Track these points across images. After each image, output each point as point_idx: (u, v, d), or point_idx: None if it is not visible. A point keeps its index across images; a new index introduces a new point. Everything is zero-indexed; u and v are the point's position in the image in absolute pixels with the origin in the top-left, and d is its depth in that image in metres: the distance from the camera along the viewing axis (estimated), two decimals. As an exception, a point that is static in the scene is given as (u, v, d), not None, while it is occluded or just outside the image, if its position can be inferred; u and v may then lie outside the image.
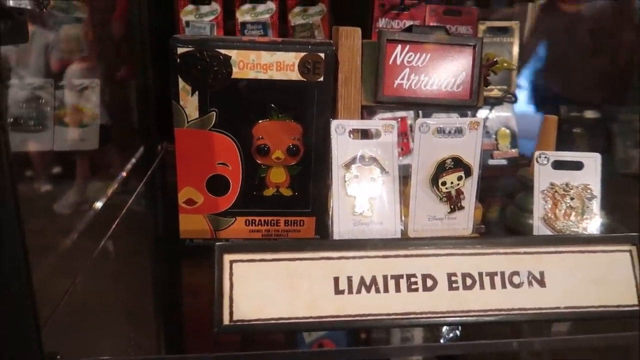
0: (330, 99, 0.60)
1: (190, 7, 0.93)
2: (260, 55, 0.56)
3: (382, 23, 0.90)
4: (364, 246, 0.49)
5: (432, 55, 0.60)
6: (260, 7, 0.94)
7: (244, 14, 0.94)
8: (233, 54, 0.56)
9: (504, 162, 0.97)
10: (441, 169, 0.58)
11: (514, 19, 0.94)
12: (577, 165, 0.63)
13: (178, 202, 0.61)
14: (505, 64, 0.94)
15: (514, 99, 0.95)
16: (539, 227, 0.62)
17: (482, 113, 0.97)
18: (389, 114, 0.93)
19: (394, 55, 0.59)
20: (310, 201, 0.64)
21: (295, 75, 0.57)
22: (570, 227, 0.62)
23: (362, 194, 0.58)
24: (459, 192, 0.59)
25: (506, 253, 0.51)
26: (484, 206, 0.89)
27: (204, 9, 0.94)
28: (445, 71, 0.60)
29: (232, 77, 0.57)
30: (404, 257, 0.49)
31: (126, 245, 0.70)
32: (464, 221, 0.60)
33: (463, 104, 0.61)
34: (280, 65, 0.57)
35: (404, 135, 0.94)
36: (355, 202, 0.58)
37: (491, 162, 0.96)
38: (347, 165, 0.58)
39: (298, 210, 0.64)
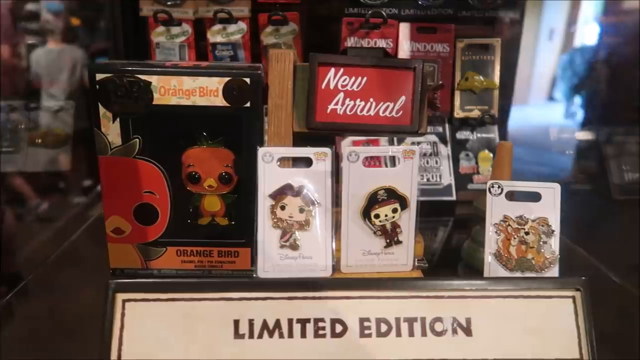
0: (260, 126, 0.57)
1: (161, 28, 0.93)
2: (182, 80, 0.54)
3: (350, 42, 0.86)
4: (269, 287, 0.45)
5: (368, 79, 0.56)
6: (232, 27, 0.93)
7: (215, 35, 0.93)
8: (153, 79, 0.54)
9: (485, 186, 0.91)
10: (373, 200, 0.54)
11: (495, 36, 0.89)
12: (535, 197, 0.58)
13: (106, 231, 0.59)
14: (484, 83, 0.89)
15: (491, 120, 0.89)
16: (490, 264, 0.57)
17: (464, 134, 0.92)
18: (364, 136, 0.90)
19: (327, 79, 0.56)
20: (246, 231, 0.60)
21: (219, 101, 0.55)
22: (523, 264, 0.56)
23: (289, 226, 0.54)
24: (395, 226, 0.55)
25: (428, 297, 0.46)
26: (457, 234, 0.84)
27: (175, 30, 0.93)
28: (383, 95, 0.56)
29: (154, 103, 0.54)
30: (312, 300, 0.45)
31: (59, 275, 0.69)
32: (403, 256, 0.56)
33: (403, 130, 0.57)
34: (204, 90, 0.54)
35: (376, 158, 0.89)
36: (281, 235, 0.55)
37: (471, 186, 0.90)
38: (274, 196, 0.54)
39: (233, 241, 0.61)
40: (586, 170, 0.92)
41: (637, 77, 0.96)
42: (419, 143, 0.91)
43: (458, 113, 0.90)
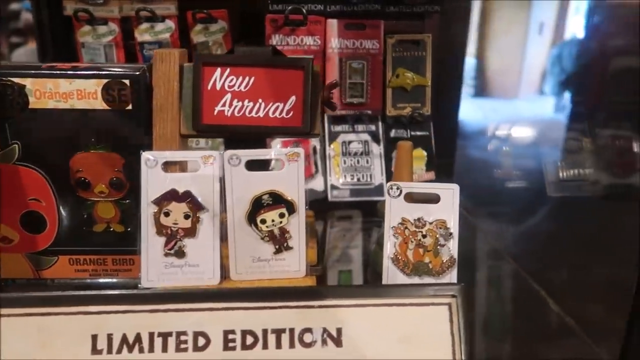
0: (145, 129, 0.55)
1: (87, 28, 0.90)
2: (58, 83, 0.52)
3: (275, 40, 0.84)
4: (128, 300, 0.43)
5: (256, 79, 0.54)
6: (159, 26, 0.90)
7: (142, 34, 0.91)
8: (27, 82, 0.52)
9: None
10: (258, 205, 0.52)
11: (425, 31, 0.87)
12: (435, 198, 0.56)
13: (-7, 240, 0.57)
14: (415, 80, 0.87)
15: (421, 118, 0.87)
16: (389, 268, 0.56)
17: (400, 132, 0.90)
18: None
19: (212, 80, 0.54)
20: (141, 238, 0.58)
21: (99, 104, 0.53)
22: (420, 269, 0.55)
23: (174, 233, 0.52)
24: (284, 231, 0.53)
25: (298, 307, 0.44)
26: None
27: (101, 29, 0.91)
28: (272, 96, 0.54)
29: (30, 107, 0.52)
30: (175, 312, 0.43)
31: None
32: (295, 262, 0.54)
33: (294, 132, 0.55)
34: (82, 93, 0.52)
35: (307, 157, 0.87)
36: (166, 243, 0.53)
37: (404, 185, 0.88)
38: (158, 202, 0.52)
39: (128, 248, 0.59)
40: (523, 167, 0.90)
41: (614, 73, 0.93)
42: (357, 142, 0.89)
43: (390, 111, 0.89)
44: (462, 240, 0.53)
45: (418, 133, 0.90)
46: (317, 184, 0.87)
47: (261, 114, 0.54)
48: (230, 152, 0.51)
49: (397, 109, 0.89)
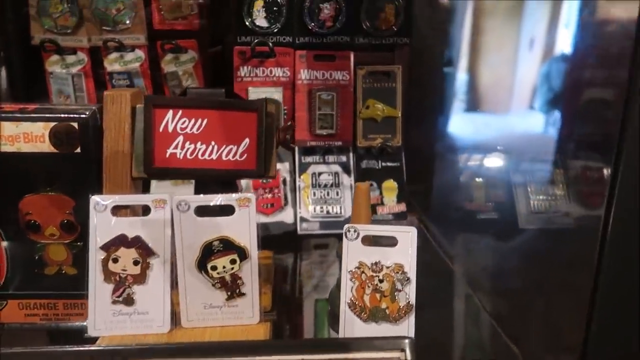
0: (96, 171, 0.53)
1: (56, 57, 0.89)
2: (3, 126, 0.51)
3: (244, 72, 0.83)
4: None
5: (209, 121, 0.53)
6: (129, 56, 0.89)
7: (112, 63, 0.90)
8: (-28, 125, 0.50)
9: (390, 217, 0.88)
10: (208, 252, 0.51)
11: (396, 62, 0.87)
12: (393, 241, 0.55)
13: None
14: (385, 111, 0.87)
15: (391, 149, 0.87)
16: (346, 313, 0.54)
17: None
18: (263, 167, 0.87)
19: (164, 122, 0.53)
20: (93, 281, 0.57)
21: (47, 147, 0.52)
22: (377, 314, 0.53)
23: (123, 280, 0.51)
24: (235, 277, 0.52)
25: (242, 363, 0.43)
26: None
27: (70, 59, 0.90)
28: (225, 138, 0.53)
29: (-25, 150, 0.51)
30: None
31: None
32: (248, 309, 0.53)
33: (248, 175, 0.54)
34: (28, 136, 0.51)
35: (277, 189, 0.86)
36: (114, 290, 0.51)
37: (375, 218, 0.87)
38: (106, 248, 0.51)
39: (81, 292, 0.57)
40: (495, 198, 0.90)
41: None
42: (328, 173, 0.88)
43: (361, 142, 0.88)
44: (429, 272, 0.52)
45: (389, 164, 0.90)
46: (287, 216, 0.86)
47: (214, 156, 0.53)
48: (178, 198, 0.50)
49: (367, 140, 0.88)
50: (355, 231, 0.55)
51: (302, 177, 0.87)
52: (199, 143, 0.53)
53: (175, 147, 0.53)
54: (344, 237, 0.55)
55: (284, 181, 0.87)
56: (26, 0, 0.86)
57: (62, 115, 0.51)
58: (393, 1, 0.82)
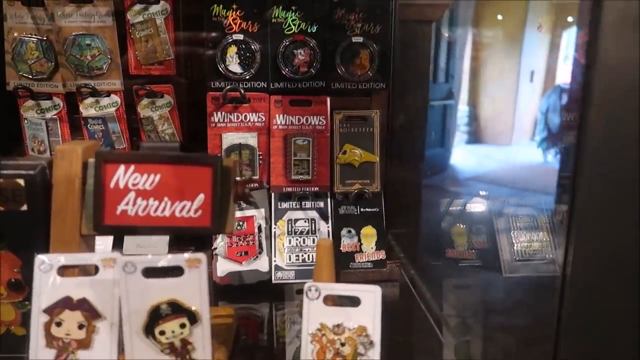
0: (44, 229, 0.51)
1: (31, 102, 0.89)
2: (-53, 183, 0.49)
3: (217, 118, 0.82)
4: None
5: (162, 177, 0.51)
6: (104, 101, 0.89)
7: (87, 108, 0.89)
8: None
9: (369, 265, 0.85)
10: (156, 316, 0.48)
11: (373, 107, 0.86)
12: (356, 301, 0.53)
13: None
14: (362, 157, 0.85)
15: (369, 195, 0.84)
16: (306, 379, 0.51)
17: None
18: (238, 213, 0.85)
19: (116, 178, 0.51)
20: (41, 343, 0.54)
21: (-8, 205, 0.50)
22: (338, 382, 0.50)
23: (66, 346, 0.48)
24: (185, 342, 0.49)
25: None
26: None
27: (45, 104, 0.89)
28: (178, 194, 0.51)
29: None
30: None
31: None
32: (200, 376, 0.50)
33: (203, 232, 0.51)
34: (-27, 194, 0.49)
35: (251, 237, 0.84)
36: (56, 356, 0.48)
37: (353, 265, 0.85)
38: (49, 311, 0.48)
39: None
40: (477, 245, 0.87)
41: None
42: (309, 219, 0.86)
43: (338, 187, 0.86)
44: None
45: (368, 209, 0.87)
46: (262, 264, 0.83)
47: (167, 213, 0.51)
48: (124, 259, 0.47)
49: (345, 186, 0.86)
50: (316, 290, 0.53)
51: (278, 223, 0.85)
52: (151, 199, 0.51)
53: (127, 204, 0.51)
54: (304, 296, 0.53)
55: (259, 228, 0.84)
56: (2, 47, 0.86)
57: (8, 172, 0.49)
58: (368, 47, 0.81)
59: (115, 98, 0.89)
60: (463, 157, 1.15)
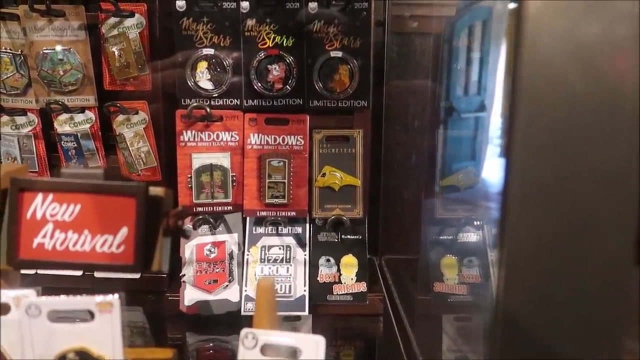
0: (-43, 262, 0.47)
1: (6, 118, 0.86)
2: None
3: (187, 136, 0.78)
4: None
5: (82, 207, 0.46)
6: (79, 117, 0.86)
7: (62, 124, 0.86)
8: None
9: (348, 298, 0.78)
10: (63, 365, 0.43)
11: (355, 126, 0.79)
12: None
13: None
14: (343, 180, 0.79)
15: (349, 222, 0.78)
16: None
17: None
18: (210, 238, 0.80)
19: (33, 208, 0.46)
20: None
21: None
22: None
23: (-33, 393, 0.43)
24: (97, 395, 0.43)
25: None
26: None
27: (20, 119, 0.87)
28: (100, 227, 0.46)
29: None
30: None
31: None
32: None
33: (124, 269, 0.46)
34: None
35: (222, 264, 0.79)
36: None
37: (331, 297, 0.78)
38: (-48, 354, 0.44)
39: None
40: (468, 279, 0.79)
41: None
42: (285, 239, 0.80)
43: (317, 212, 0.80)
44: None
45: (349, 237, 0.81)
46: (232, 294, 0.78)
47: (87, 247, 0.46)
48: (28, 300, 0.42)
49: (324, 211, 0.80)
50: (253, 337, 0.46)
51: (251, 250, 0.79)
52: (70, 232, 0.46)
53: (44, 236, 0.46)
54: (240, 344, 0.47)
55: (231, 254, 0.79)
56: (-23, 62, 0.85)
57: None
58: (347, 62, 0.75)
59: (89, 114, 0.86)
60: (496, 170, 1.06)
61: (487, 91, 0.97)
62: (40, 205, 0.46)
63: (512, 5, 0.36)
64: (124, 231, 0.46)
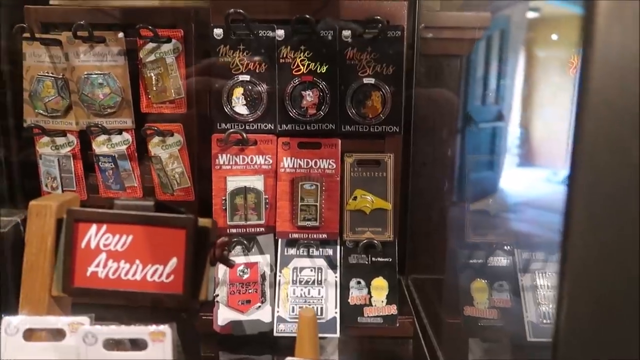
0: (15, 289, 0.49)
1: (46, 139, 0.89)
2: None
3: (222, 160, 0.80)
4: None
5: (135, 238, 0.48)
6: (116, 139, 0.88)
7: (100, 146, 0.89)
8: None
9: (379, 320, 0.79)
10: (116, 392, 0.45)
11: (386, 150, 0.80)
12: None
13: None
14: (374, 203, 0.80)
15: (380, 245, 0.79)
16: None
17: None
18: (243, 259, 0.81)
19: (87, 238, 0.48)
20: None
21: (-38, 263, 0.48)
22: None
23: (25, 416, 0.46)
24: (147, 422, 0.45)
25: None
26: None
27: (60, 140, 0.90)
28: (151, 257, 0.48)
29: None
30: None
31: None
32: None
33: (174, 299, 0.48)
34: (-56, 251, 0.48)
35: (254, 284, 0.80)
36: None
37: (362, 320, 0.79)
38: (12, 377, 0.46)
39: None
40: (499, 303, 0.79)
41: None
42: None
43: (348, 235, 0.81)
44: None
45: (380, 259, 0.82)
46: (265, 314, 0.79)
47: (138, 277, 0.48)
48: (85, 329, 0.44)
49: (355, 234, 0.81)
50: (294, 367, 0.48)
51: (282, 271, 0.81)
52: (122, 261, 0.48)
53: (97, 265, 0.48)
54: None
55: (263, 275, 0.81)
56: (21, 85, 0.88)
57: (-21, 230, 0.48)
58: (379, 89, 0.77)
59: (126, 136, 0.88)
60: (514, 180, 1.06)
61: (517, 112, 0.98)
62: (94, 236, 0.48)
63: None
64: (173, 261, 0.48)
